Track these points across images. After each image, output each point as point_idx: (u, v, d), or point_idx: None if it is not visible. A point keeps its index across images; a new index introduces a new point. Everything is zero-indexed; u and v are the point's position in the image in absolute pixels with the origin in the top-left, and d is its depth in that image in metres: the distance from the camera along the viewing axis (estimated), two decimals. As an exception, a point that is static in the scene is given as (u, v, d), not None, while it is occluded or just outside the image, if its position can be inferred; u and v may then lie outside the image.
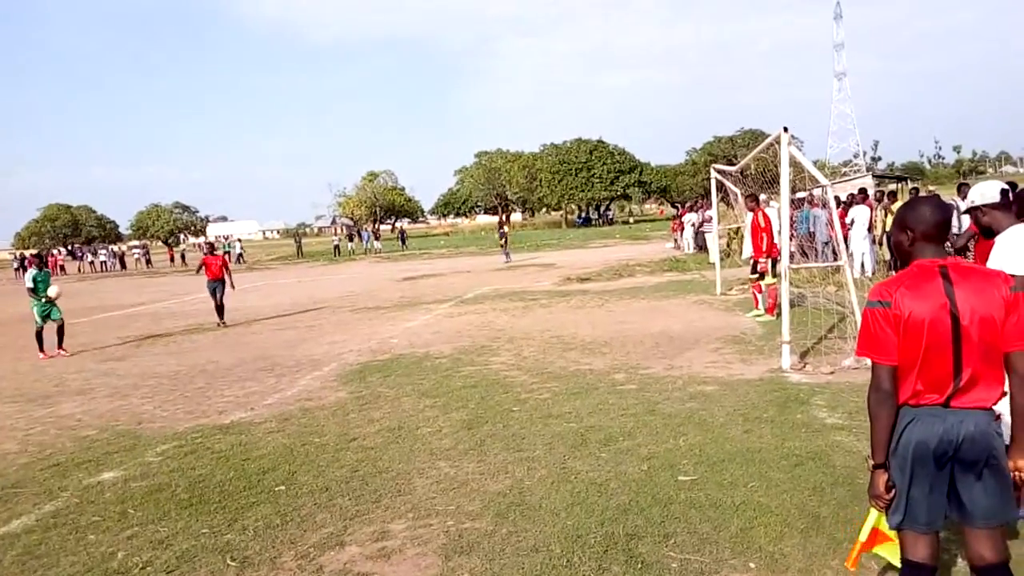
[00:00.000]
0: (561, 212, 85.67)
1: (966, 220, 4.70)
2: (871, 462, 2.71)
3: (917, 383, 2.60)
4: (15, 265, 51.16)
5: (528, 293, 17.48)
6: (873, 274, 15.35)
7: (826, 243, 16.65)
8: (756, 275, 11.56)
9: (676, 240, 31.09)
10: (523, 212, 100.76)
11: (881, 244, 16.01)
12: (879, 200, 17.24)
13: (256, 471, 5.66)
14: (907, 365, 2.60)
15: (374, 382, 8.59)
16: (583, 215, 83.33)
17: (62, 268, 49.99)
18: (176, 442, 6.66)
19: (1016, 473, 2.62)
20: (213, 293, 15.25)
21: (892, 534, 2.80)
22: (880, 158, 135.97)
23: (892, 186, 38.05)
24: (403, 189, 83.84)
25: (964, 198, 12.20)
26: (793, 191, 11.58)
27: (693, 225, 26.74)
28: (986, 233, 4.04)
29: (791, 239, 9.79)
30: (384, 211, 78.01)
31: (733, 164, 15.54)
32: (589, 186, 77.08)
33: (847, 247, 13.69)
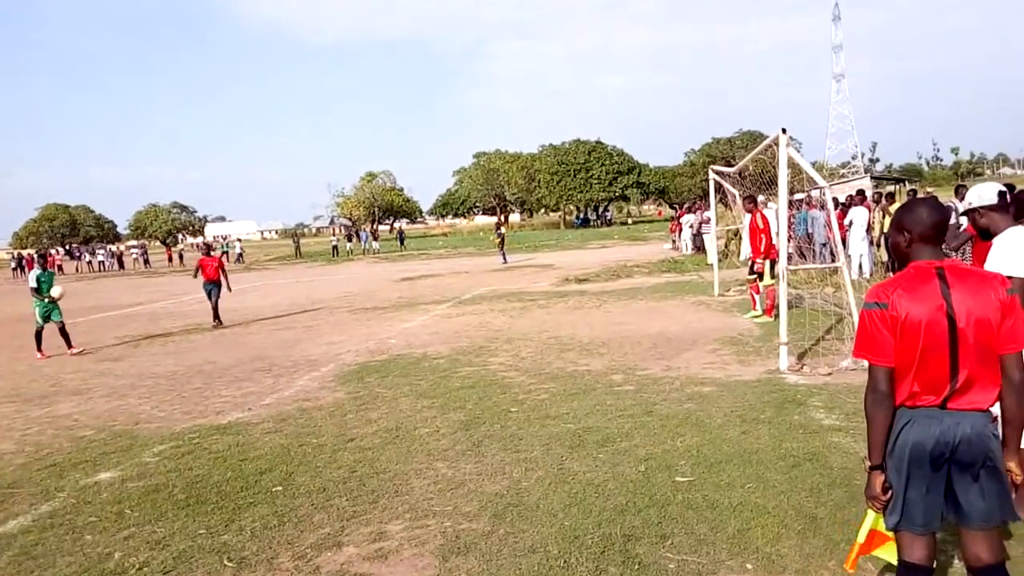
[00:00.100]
0: (559, 213, 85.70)
1: (964, 222, 4.70)
2: (868, 463, 2.71)
3: (914, 385, 2.60)
4: (12, 265, 51.07)
5: (526, 294, 17.48)
6: (871, 275, 15.36)
7: (824, 244, 16.68)
8: (754, 276, 11.57)
9: (674, 241, 31.11)
10: (521, 213, 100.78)
11: (879, 246, 16.03)
12: (877, 201, 17.26)
13: (253, 471, 5.66)
14: (904, 367, 2.60)
15: (372, 383, 8.58)
16: (581, 216, 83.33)
17: (60, 268, 49.87)
18: (173, 442, 6.65)
19: (1010, 475, 2.63)
20: (209, 295, 15.14)
21: (890, 534, 2.80)
22: (878, 160, 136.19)
23: (890, 187, 38.12)
24: (401, 190, 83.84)
25: (962, 200, 12.22)
26: (791, 192, 11.59)
27: (691, 226, 26.75)
28: (984, 235, 4.05)
29: (789, 240, 9.80)
30: (382, 211, 77.97)
31: (731, 165, 15.56)
32: (587, 187, 77.09)
33: (846, 249, 13.71)
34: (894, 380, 2.62)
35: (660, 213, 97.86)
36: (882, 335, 2.60)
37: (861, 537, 2.91)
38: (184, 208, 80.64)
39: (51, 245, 76.03)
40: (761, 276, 11.35)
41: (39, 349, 12.47)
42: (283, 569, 4.03)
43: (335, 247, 50.58)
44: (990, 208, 3.94)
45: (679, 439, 5.73)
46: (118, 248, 62.72)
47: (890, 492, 2.66)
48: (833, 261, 10.19)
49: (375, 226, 72.03)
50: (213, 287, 15.05)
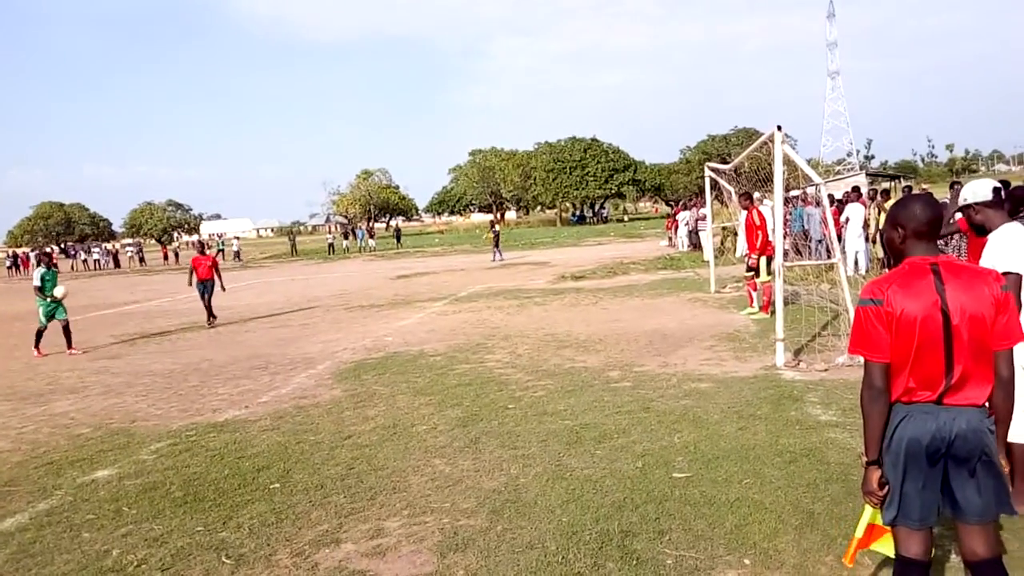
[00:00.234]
0: (556, 210, 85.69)
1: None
2: (864, 459, 2.72)
3: (909, 380, 2.61)
4: (7, 263, 50.91)
5: (522, 291, 17.49)
6: (867, 272, 15.41)
7: (820, 241, 16.73)
8: (751, 273, 11.60)
9: (670, 238, 31.13)
10: (518, 210, 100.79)
11: (875, 242, 16.08)
12: (873, 198, 17.30)
13: (251, 469, 5.66)
14: (899, 363, 2.61)
15: (369, 380, 8.59)
16: (578, 213, 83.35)
17: (55, 266, 49.71)
18: (170, 440, 6.65)
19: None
20: (202, 294, 14.89)
21: (888, 528, 2.82)
22: (873, 156, 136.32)
23: (885, 184, 38.15)
24: (397, 187, 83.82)
25: (956, 196, 12.24)
26: (787, 189, 11.61)
27: (687, 223, 26.78)
28: (978, 231, 4.07)
29: (785, 237, 9.82)
30: (378, 209, 77.97)
31: (727, 162, 15.57)
32: (583, 184, 77.07)
33: (841, 245, 13.74)
34: (890, 376, 2.63)
35: (656, 210, 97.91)
36: (877, 331, 2.61)
37: (859, 532, 2.92)
38: (180, 206, 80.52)
39: (46, 243, 75.82)
40: (757, 272, 11.39)
41: (37, 347, 12.44)
42: (281, 566, 4.03)
43: (331, 245, 50.47)
44: (985, 204, 3.95)
45: (676, 435, 5.75)
46: (114, 246, 62.54)
47: (887, 487, 2.68)
48: (829, 257, 10.22)
49: (371, 224, 71.99)
50: (206, 286, 14.90)
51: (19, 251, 58.67)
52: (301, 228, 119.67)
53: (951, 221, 5.96)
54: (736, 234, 19.39)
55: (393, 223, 79.95)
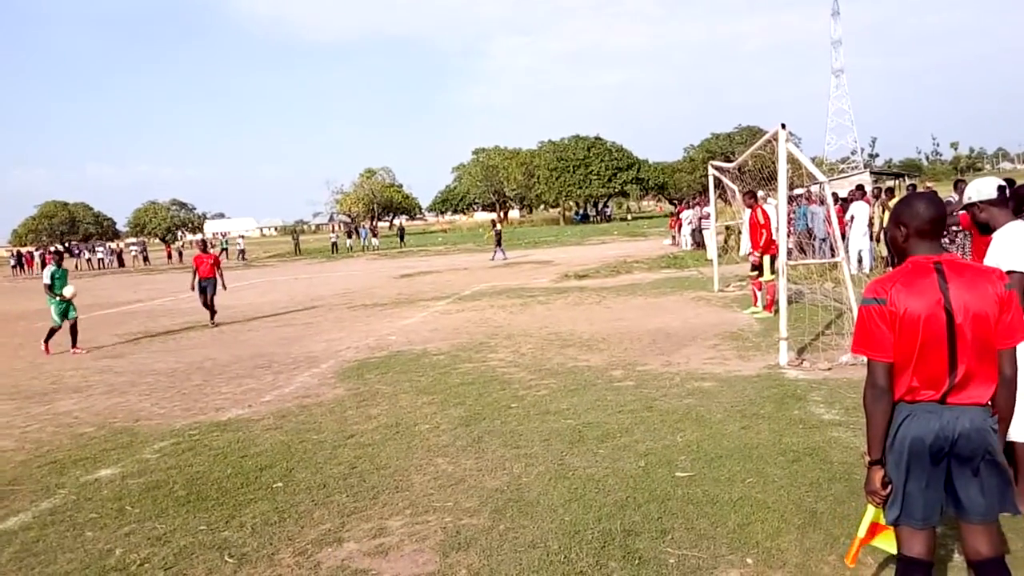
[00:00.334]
0: (559, 209, 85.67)
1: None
2: (867, 458, 2.71)
3: (913, 380, 2.60)
4: (12, 263, 51.05)
5: (526, 290, 17.48)
6: (871, 271, 15.37)
7: (824, 240, 16.68)
8: (756, 272, 11.57)
9: (674, 237, 31.11)
10: (521, 209, 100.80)
11: (879, 241, 16.04)
12: (877, 196, 17.26)
13: (254, 468, 5.67)
14: (903, 362, 2.60)
15: (372, 379, 8.59)
16: (581, 212, 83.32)
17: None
18: (173, 439, 6.66)
19: None
20: (203, 291, 14.80)
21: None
22: (878, 155, 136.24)
23: (890, 183, 38.07)
24: (401, 186, 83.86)
25: (961, 195, 12.21)
26: (791, 188, 11.59)
27: (690, 222, 26.74)
28: (983, 229, 4.05)
29: (789, 236, 9.80)
30: (382, 208, 78.02)
31: (731, 161, 15.54)
32: (587, 183, 77.07)
33: (846, 244, 13.72)
34: (893, 375, 2.62)
35: (660, 209, 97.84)
36: (880, 331, 2.60)
37: (861, 532, 2.91)
38: (183, 205, 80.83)
39: (51, 243, 76.03)
40: (761, 271, 11.36)
41: (46, 342, 12.41)
42: (284, 565, 4.03)
43: (334, 244, 50.55)
44: (989, 203, 3.94)
45: (679, 434, 5.74)
46: (117, 245, 62.68)
47: (890, 487, 2.67)
48: (833, 256, 10.19)
49: (374, 223, 72.06)
50: (208, 284, 14.82)
51: (23, 250, 58.82)
52: (305, 227, 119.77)
53: (953, 214, 5.95)
54: (740, 233, 19.37)
55: (396, 222, 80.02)
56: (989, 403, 2.61)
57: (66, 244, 77.35)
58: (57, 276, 12.42)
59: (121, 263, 52.91)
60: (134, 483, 5.51)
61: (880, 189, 18.38)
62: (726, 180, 15.62)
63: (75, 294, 12.59)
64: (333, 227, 77.61)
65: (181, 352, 11.81)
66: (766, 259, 11.17)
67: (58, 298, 12.29)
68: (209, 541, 4.38)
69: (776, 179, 8.16)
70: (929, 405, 2.60)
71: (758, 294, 11.58)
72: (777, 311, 8.54)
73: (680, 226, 29.13)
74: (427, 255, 38.25)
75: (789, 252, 8.66)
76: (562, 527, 4.21)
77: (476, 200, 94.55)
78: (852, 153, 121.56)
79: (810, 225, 17.84)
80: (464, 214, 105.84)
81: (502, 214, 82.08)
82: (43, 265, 13.18)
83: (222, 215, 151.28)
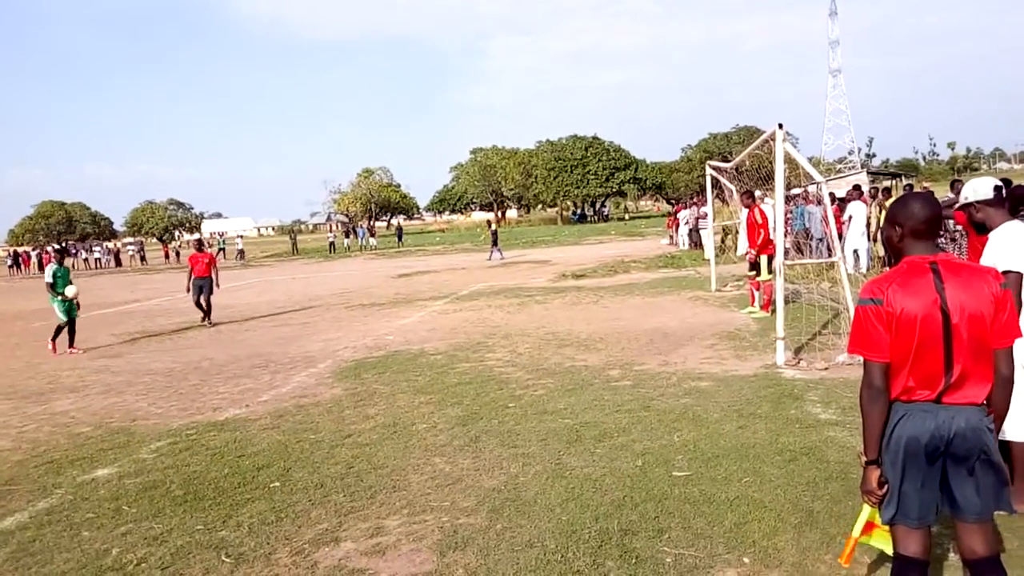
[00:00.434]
0: (556, 209, 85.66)
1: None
2: (863, 458, 2.72)
3: (909, 379, 2.61)
4: (8, 262, 50.94)
5: (523, 290, 17.48)
6: (868, 270, 15.39)
7: (821, 239, 16.71)
8: (754, 271, 11.59)
9: (671, 237, 31.13)
10: (518, 209, 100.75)
11: (876, 240, 16.06)
12: (874, 196, 17.27)
13: (251, 468, 5.66)
14: (899, 362, 2.61)
15: (369, 379, 8.59)
16: (578, 212, 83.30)
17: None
18: (170, 439, 6.65)
19: None
20: (199, 290, 14.70)
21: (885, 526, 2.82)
22: (875, 155, 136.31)
23: (887, 182, 38.12)
24: (398, 186, 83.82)
25: (957, 194, 12.22)
26: (788, 188, 11.60)
27: (688, 222, 26.76)
28: (979, 229, 4.06)
29: (786, 235, 9.81)
30: (379, 208, 77.97)
31: (728, 161, 15.56)
32: (584, 183, 77.05)
33: (843, 243, 13.73)
34: (889, 375, 2.63)
35: (657, 209, 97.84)
36: (877, 331, 2.60)
37: (856, 531, 2.92)
38: (181, 205, 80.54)
39: (48, 242, 75.84)
40: (758, 270, 11.37)
41: (53, 340, 12.32)
42: (281, 565, 4.03)
43: (332, 244, 50.49)
44: (986, 203, 3.95)
45: (676, 434, 5.74)
46: (115, 245, 62.55)
47: (886, 486, 2.68)
48: (830, 256, 10.21)
49: (372, 222, 72.02)
50: (204, 283, 14.72)
51: (20, 250, 58.70)
52: (302, 227, 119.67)
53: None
54: (737, 232, 19.39)
55: (394, 222, 80.00)
56: (985, 402, 2.61)
57: (63, 244, 77.23)
58: (59, 275, 12.34)
59: (118, 263, 52.85)
60: (131, 483, 5.51)
61: (877, 189, 18.39)
62: (724, 180, 15.64)
63: (77, 294, 12.49)
64: (331, 227, 77.61)
65: (178, 352, 11.80)
66: (763, 259, 11.19)
67: (60, 297, 12.24)
68: (206, 541, 4.38)
69: (774, 179, 8.17)
70: (925, 405, 2.61)
71: (755, 294, 11.60)
72: (774, 311, 8.55)
73: (677, 226, 29.15)
74: (425, 255, 38.23)
75: (786, 252, 8.66)
76: (559, 526, 4.21)
77: (474, 200, 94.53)
78: (849, 153, 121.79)
79: (807, 225, 17.87)
80: (462, 214, 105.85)
81: (499, 214, 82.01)
82: (40, 265, 13.11)
83: (219, 215, 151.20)
